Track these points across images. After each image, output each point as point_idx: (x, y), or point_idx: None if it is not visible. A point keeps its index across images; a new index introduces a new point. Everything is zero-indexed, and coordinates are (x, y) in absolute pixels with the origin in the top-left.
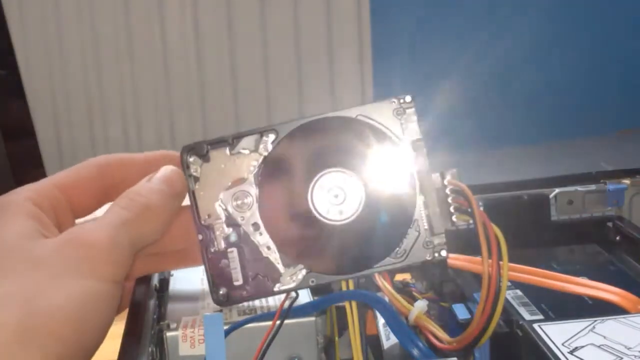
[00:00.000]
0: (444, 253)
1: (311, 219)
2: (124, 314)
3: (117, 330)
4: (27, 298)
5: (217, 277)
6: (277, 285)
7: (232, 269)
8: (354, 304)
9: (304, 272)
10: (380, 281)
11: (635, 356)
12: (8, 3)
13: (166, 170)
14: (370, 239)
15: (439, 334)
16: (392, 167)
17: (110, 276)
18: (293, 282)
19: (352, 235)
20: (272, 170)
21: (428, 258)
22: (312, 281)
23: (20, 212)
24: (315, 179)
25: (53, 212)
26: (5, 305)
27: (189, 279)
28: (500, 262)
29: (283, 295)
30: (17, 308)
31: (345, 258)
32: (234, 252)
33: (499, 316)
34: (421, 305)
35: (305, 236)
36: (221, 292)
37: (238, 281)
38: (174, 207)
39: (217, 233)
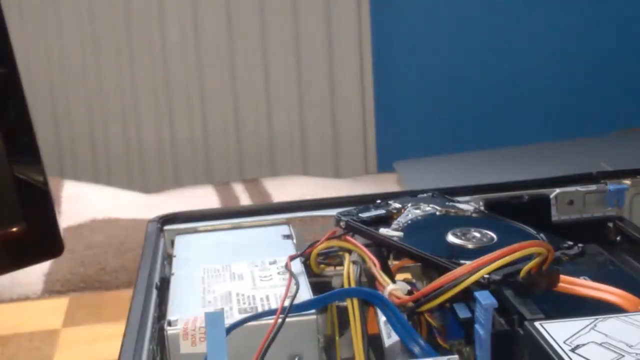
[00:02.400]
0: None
1: None
2: (125, 313)
3: (118, 329)
4: None
5: None
6: None
7: None
8: (355, 302)
9: None
10: (370, 263)
11: (636, 354)
12: (8, 3)
13: None
14: None
15: (402, 296)
16: None
17: None
18: None
19: None
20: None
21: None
22: None
23: None
24: None
25: None
26: None
27: (190, 278)
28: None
29: (283, 295)
30: None
31: None
32: None
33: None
34: (401, 285)
35: None
36: None
37: None
38: None
39: None
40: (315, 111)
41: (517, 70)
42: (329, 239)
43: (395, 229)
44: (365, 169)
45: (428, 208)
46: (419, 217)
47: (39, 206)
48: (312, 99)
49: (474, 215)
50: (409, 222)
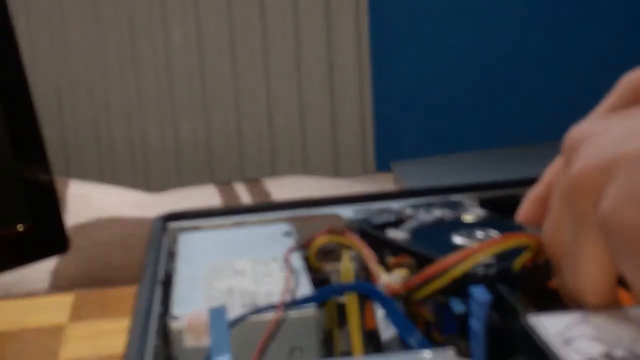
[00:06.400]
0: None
1: None
2: (130, 308)
3: (123, 324)
4: None
5: None
6: None
7: None
8: (354, 296)
9: None
10: (366, 257)
11: (627, 347)
12: (14, 4)
13: None
14: None
15: (396, 285)
16: None
17: None
18: None
19: None
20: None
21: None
22: None
23: None
24: None
25: None
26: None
27: (194, 274)
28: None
29: (283, 290)
30: None
31: None
32: None
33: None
34: (395, 276)
35: None
36: None
37: None
38: None
39: None
40: (314, 112)
41: (517, 70)
42: (327, 232)
43: (403, 231)
44: (364, 169)
45: (437, 212)
46: (427, 222)
47: (46, 205)
48: (311, 99)
49: (482, 220)
50: (417, 225)
